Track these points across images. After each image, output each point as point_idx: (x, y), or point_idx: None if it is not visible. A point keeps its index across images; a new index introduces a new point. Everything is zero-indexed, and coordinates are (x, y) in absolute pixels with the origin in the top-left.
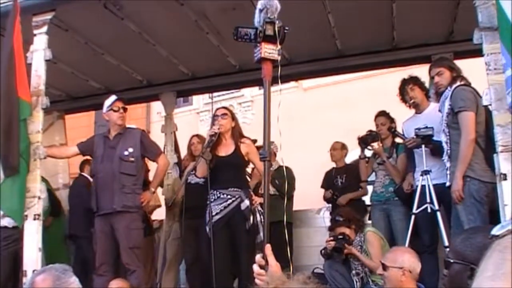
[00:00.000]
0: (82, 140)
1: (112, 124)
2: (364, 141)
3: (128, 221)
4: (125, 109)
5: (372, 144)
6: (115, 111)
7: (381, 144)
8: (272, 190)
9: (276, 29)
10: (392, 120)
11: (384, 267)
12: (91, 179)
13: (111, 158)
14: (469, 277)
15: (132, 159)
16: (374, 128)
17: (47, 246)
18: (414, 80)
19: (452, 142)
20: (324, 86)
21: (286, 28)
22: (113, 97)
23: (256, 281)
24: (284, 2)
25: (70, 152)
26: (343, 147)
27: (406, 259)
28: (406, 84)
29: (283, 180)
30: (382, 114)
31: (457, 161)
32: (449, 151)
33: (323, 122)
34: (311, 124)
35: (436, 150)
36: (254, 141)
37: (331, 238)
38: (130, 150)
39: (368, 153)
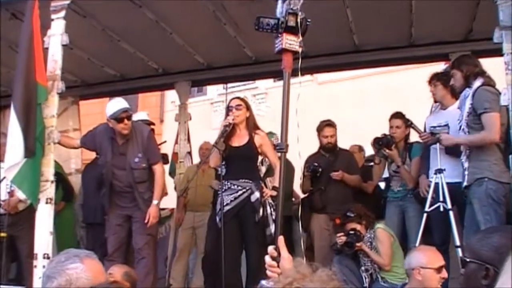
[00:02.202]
0: (89, 129)
1: (116, 132)
2: (378, 144)
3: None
4: (129, 118)
5: (386, 148)
6: (119, 122)
7: (394, 150)
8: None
9: (299, 20)
10: (408, 124)
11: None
12: None
13: (123, 166)
14: (483, 277)
15: (144, 165)
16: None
17: (59, 231)
18: (438, 77)
19: None
20: (339, 81)
21: (309, 20)
22: (116, 106)
23: (268, 272)
24: None
25: (74, 143)
26: (360, 149)
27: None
28: (432, 79)
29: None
30: (398, 116)
31: (465, 137)
32: (467, 151)
33: (337, 117)
34: (325, 118)
35: (451, 149)
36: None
37: (342, 233)
38: (140, 155)
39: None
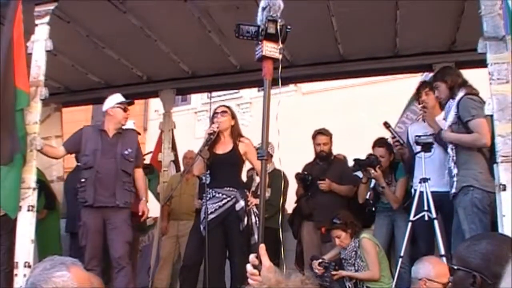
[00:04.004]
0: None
1: (113, 121)
2: (361, 165)
3: (125, 216)
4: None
5: (369, 169)
6: (123, 110)
7: (379, 171)
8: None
9: (278, 27)
10: (392, 151)
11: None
12: None
13: (113, 155)
14: (471, 284)
15: (132, 159)
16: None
17: (42, 239)
18: (431, 86)
19: (458, 151)
20: (323, 91)
21: (288, 27)
22: (121, 97)
23: (249, 281)
24: (288, 3)
25: (60, 153)
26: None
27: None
28: (423, 87)
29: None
30: (381, 144)
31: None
32: (455, 158)
33: (321, 127)
34: (308, 128)
35: (437, 158)
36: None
37: (320, 266)
38: (130, 150)
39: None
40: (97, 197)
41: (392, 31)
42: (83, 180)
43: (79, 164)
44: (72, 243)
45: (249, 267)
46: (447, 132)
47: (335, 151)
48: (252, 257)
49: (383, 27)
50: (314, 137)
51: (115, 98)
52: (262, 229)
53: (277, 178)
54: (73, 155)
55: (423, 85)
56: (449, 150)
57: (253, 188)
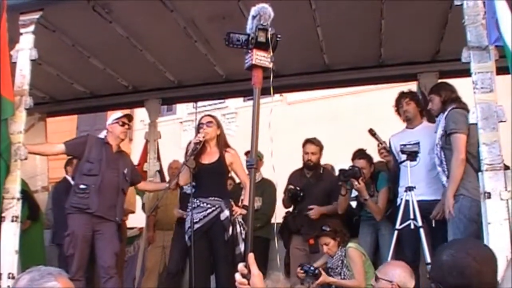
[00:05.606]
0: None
1: (113, 136)
2: (346, 176)
3: (115, 228)
4: (129, 126)
5: (352, 180)
6: (120, 125)
7: (362, 183)
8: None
9: (269, 36)
10: (372, 162)
11: (376, 278)
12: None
13: (116, 171)
14: None
15: (128, 179)
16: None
17: (25, 250)
18: (411, 95)
19: (447, 163)
20: (308, 101)
21: (279, 36)
22: (119, 113)
23: None
24: (274, 13)
25: (56, 149)
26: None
27: (397, 273)
28: (403, 97)
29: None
30: (361, 156)
31: (449, 180)
32: (446, 172)
33: (306, 136)
34: (294, 137)
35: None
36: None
37: (301, 270)
38: (127, 170)
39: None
40: (99, 205)
41: (377, 41)
42: (83, 186)
43: (67, 175)
44: (60, 254)
45: (237, 276)
46: (448, 198)
47: (322, 161)
48: (241, 266)
49: (368, 37)
50: (303, 145)
51: (115, 115)
52: (251, 238)
53: (267, 187)
54: (62, 165)
55: (403, 95)
56: (437, 166)
57: (242, 197)
